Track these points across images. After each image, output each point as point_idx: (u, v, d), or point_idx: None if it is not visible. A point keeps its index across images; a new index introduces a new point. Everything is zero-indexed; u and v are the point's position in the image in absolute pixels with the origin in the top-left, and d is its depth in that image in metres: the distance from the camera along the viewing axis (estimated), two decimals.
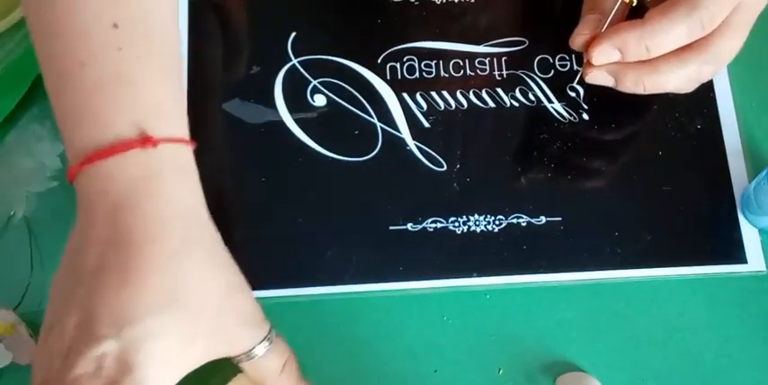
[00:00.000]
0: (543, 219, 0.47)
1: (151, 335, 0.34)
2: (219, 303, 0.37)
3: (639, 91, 0.43)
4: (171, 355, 0.35)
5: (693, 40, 0.41)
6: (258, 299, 0.46)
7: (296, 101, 0.49)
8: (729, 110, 0.49)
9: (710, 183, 0.48)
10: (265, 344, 0.39)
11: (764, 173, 0.44)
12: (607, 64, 0.42)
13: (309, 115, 0.49)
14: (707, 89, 0.49)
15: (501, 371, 0.45)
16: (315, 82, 0.50)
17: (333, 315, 0.46)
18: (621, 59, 0.42)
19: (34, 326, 0.45)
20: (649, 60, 0.42)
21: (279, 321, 0.45)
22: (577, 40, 0.43)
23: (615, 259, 0.46)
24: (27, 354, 0.44)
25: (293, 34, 0.51)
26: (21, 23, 0.50)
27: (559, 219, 0.47)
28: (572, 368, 0.45)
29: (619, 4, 0.39)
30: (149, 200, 0.35)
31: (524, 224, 0.47)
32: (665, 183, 0.48)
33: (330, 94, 0.49)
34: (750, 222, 0.47)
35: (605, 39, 0.41)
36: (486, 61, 0.50)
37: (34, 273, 0.46)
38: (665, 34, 0.40)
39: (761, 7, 0.42)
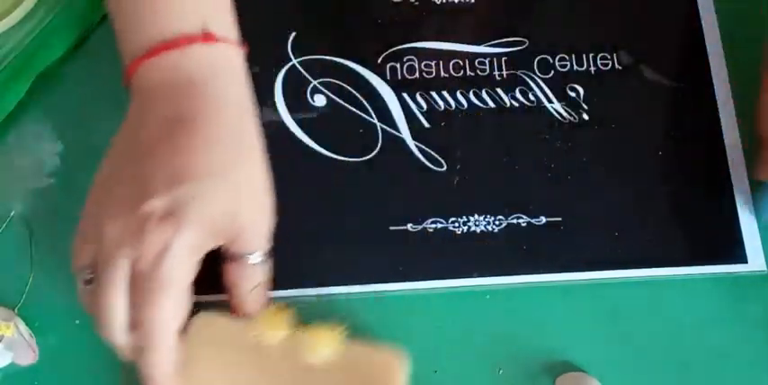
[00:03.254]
0: (543, 219, 0.47)
1: (199, 197, 0.36)
2: (261, 195, 0.40)
3: None
4: (213, 221, 0.37)
5: None
6: None
7: (296, 101, 0.49)
8: (729, 110, 0.49)
9: (710, 182, 0.48)
10: (263, 255, 0.41)
11: None
12: None
13: (309, 115, 0.49)
14: (707, 89, 0.49)
15: (501, 371, 0.45)
16: (315, 82, 0.50)
17: (333, 315, 0.46)
18: None
19: (34, 327, 0.45)
20: None
21: None
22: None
23: (615, 259, 0.46)
24: (27, 354, 0.44)
25: (293, 34, 0.51)
26: (21, 23, 0.50)
27: (559, 219, 0.47)
28: (572, 368, 0.44)
29: None
30: (209, 86, 0.39)
31: (524, 224, 0.47)
32: (664, 182, 0.48)
33: (330, 95, 0.49)
34: None
35: None
36: (486, 61, 0.50)
37: (34, 272, 0.46)
38: None
39: None
